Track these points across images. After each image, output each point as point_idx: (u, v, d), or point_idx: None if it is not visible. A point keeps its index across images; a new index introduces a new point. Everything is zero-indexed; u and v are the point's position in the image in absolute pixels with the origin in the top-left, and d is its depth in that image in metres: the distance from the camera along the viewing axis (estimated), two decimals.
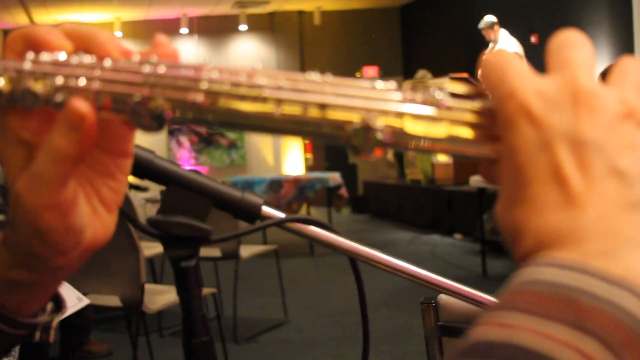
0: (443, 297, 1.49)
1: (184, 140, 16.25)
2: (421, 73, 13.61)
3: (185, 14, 15.81)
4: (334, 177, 9.84)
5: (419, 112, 0.49)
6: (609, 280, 0.37)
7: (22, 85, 0.52)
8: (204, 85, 0.50)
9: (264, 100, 0.49)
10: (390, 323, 5.79)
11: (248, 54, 16.81)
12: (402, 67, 17.29)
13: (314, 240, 0.96)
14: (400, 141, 0.49)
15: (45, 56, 0.53)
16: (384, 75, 16.30)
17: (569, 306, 0.36)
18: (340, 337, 5.77)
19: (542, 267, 0.39)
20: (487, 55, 0.48)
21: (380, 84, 0.49)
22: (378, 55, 16.98)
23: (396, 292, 6.61)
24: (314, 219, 0.97)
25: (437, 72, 12.82)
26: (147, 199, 11.07)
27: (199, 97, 0.50)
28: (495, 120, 0.47)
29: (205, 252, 5.11)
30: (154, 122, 0.51)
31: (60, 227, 0.55)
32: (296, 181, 9.65)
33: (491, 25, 10.94)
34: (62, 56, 0.53)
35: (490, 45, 11.06)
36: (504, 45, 10.84)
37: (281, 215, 0.96)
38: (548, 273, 0.38)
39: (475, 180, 7.89)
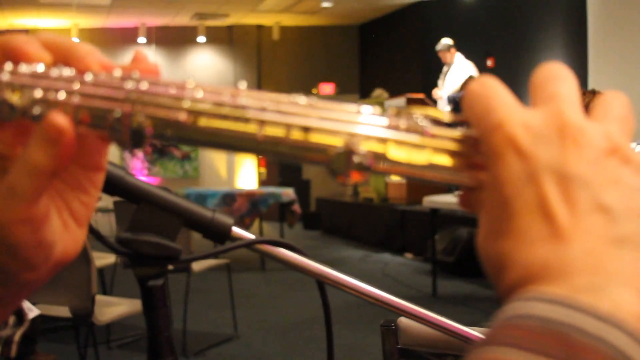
0: (403, 320, 1.49)
1: (137, 150, 16.09)
2: (378, 92, 13.71)
3: (143, 24, 15.72)
4: (288, 193, 9.84)
5: (402, 139, 0.49)
6: (598, 317, 0.37)
7: None
8: (187, 104, 0.49)
9: (246, 121, 0.49)
10: (346, 341, 5.78)
11: (206, 66, 16.78)
12: (359, 85, 17.38)
13: (282, 263, 0.95)
14: (382, 167, 0.49)
15: (23, 67, 0.52)
16: (341, 92, 16.38)
17: (560, 342, 0.36)
18: (289, 352, 5.75)
19: (531, 302, 0.39)
20: (471, 84, 0.48)
21: (365, 109, 0.49)
22: (335, 73, 17.07)
23: (351, 310, 6.61)
24: (284, 241, 0.96)
25: (394, 92, 12.94)
26: (97, 209, 10.94)
27: (181, 116, 0.49)
28: (476, 149, 0.48)
29: None
30: (133, 139, 0.50)
31: (31, 242, 0.54)
32: (250, 195, 9.62)
33: (448, 48, 11.08)
34: (40, 68, 0.52)
35: (445, 68, 11.19)
36: (460, 67, 10.98)
37: (251, 236, 0.95)
38: (538, 308, 0.38)
39: (429, 201, 7.95)
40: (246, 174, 16.74)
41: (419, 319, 1.01)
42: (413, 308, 1.00)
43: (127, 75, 0.51)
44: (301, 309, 7.07)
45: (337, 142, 0.48)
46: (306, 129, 0.49)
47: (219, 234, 0.93)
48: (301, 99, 0.50)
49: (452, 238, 8.93)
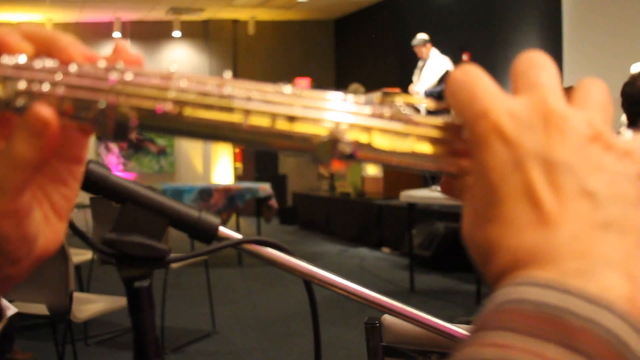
0: (387, 318, 1.49)
1: (113, 145, 16.01)
2: (354, 87, 13.71)
3: (118, 18, 15.61)
4: (264, 188, 9.81)
5: (386, 127, 0.49)
6: (589, 300, 0.37)
7: None
8: (172, 94, 0.49)
9: (231, 110, 0.49)
10: (325, 337, 5.77)
11: (181, 60, 16.70)
12: (335, 80, 17.38)
13: (269, 262, 0.95)
14: (366, 155, 0.49)
15: (5, 59, 0.51)
16: (316, 87, 16.31)
17: (555, 325, 0.37)
18: (268, 348, 5.75)
19: (523, 287, 0.39)
20: (455, 72, 0.49)
21: (350, 97, 0.50)
22: (311, 67, 17.06)
23: (330, 305, 6.62)
24: (271, 240, 0.95)
25: (370, 87, 12.94)
26: None
27: (167, 106, 0.49)
28: (458, 136, 0.48)
29: None
30: (117, 131, 0.50)
31: (15, 235, 0.53)
32: (226, 191, 9.58)
33: (423, 43, 11.11)
34: (22, 59, 0.52)
35: (420, 63, 11.21)
36: (435, 62, 11.01)
37: (237, 235, 0.94)
38: (530, 292, 0.38)
39: (406, 196, 7.96)
40: (222, 169, 16.69)
41: (403, 316, 1.01)
42: (398, 306, 1.00)
43: (111, 66, 0.51)
44: (279, 305, 7.06)
45: (322, 131, 0.49)
46: (291, 118, 0.49)
47: (205, 235, 0.92)
48: (286, 89, 0.50)
49: (429, 232, 8.96)
